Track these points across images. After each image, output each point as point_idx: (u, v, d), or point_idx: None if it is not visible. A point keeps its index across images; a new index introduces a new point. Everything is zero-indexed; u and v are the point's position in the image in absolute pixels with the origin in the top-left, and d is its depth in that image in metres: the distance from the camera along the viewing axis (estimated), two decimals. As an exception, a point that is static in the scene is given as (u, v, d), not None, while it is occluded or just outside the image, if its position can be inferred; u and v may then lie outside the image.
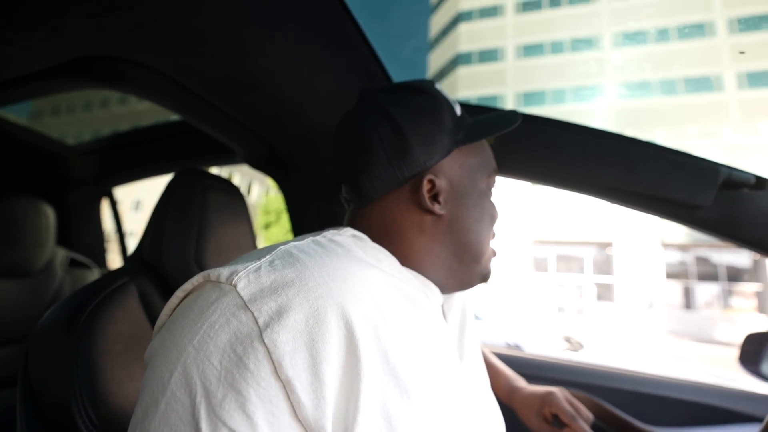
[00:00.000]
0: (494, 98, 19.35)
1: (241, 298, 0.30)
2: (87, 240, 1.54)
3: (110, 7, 0.54)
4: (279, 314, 0.30)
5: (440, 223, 0.45)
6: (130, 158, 1.30)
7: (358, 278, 0.34)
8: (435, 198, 0.45)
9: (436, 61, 22.46)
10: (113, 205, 1.57)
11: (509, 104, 19.27)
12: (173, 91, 0.73)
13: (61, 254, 1.31)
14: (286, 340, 0.29)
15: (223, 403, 0.28)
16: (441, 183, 0.45)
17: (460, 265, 0.46)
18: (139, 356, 0.56)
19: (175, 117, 1.24)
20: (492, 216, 0.49)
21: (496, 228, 0.51)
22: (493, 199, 0.50)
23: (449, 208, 0.45)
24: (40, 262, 1.22)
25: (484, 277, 0.49)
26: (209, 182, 0.70)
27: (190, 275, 0.36)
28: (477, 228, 0.46)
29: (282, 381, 0.28)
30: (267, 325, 0.29)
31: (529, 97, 18.80)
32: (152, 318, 0.61)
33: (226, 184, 0.75)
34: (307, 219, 1.11)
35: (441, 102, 0.47)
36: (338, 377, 0.30)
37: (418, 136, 0.44)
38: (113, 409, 0.50)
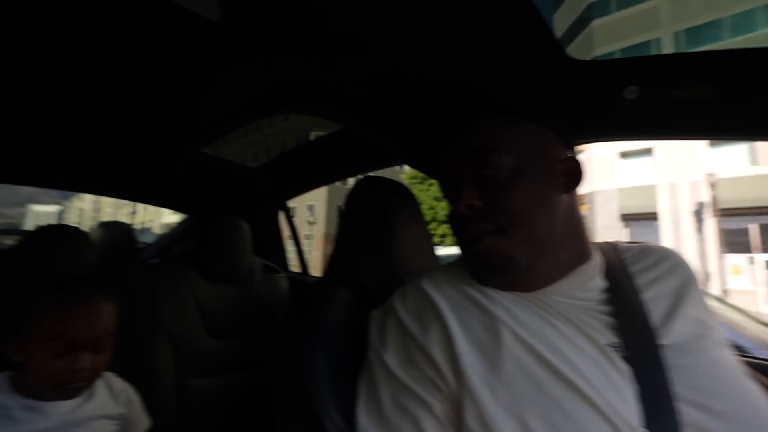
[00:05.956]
0: (645, 44, 16.19)
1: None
2: (271, 248, 1.80)
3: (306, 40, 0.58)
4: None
5: None
6: (300, 173, 1.45)
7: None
8: None
9: (562, 21, 19.92)
10: (288, 216, 1.79)
11: (667, 47, 15.86)
12: (348, 105, 0.76)
13: (257, 262, 1.56)
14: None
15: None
16: None
17: None
18: (345, 363, 0.59)
19: (330, 127, 1.34)
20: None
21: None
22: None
23: None
24: (244, 270, 1.47)
25: (468, 259, 0.56)
26: (388, 188, 0.71)
27: (387, 282, 0.45)
28: None
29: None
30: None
31: (696, 33, 15.12)
32: (353, 324, 0.63)
33: (401, 188, 0.74)
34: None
35: None
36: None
37: None
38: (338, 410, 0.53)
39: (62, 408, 0.79)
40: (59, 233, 1.05)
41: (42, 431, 0.76)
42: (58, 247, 1.02)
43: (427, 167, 1.04)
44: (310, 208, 21.69)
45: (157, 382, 1.19)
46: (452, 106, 0.58)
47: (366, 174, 1.15)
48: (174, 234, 2.19)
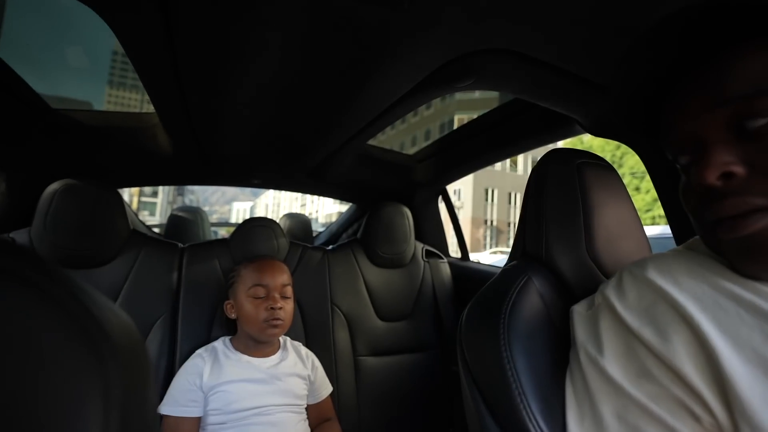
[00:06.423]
0: None
1: None
2: (431, 233, 1.81)
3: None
4: None
5: None
6: (458, 157, 1.41)
7: None
8: None
9: None
10: (447, 200, 1.77)
11: None
12: (524, 68, 0.67)
13: (420, 247, 1.59)
14: None
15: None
16: None
17: None
18: (546, 361, 0.51)
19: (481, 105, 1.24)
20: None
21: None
22: None
23: None
24: (409, 254, 1.52)
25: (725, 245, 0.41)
26: (581, 159, 0.60)
27: (584, 269, 0.41)
28: None
29: None
30: None
31: None
32: (550, 318, 0.55)
33: (597, 159, 0.62)
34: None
35: None
36: None
37: None
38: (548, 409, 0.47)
39: (267, 363, 1.02)
40: (261, 224, 1.27)
41: (256, 379, 0.98)
42: (260, 235, 1.24)
43: (619, 134, 0.86)
44: (456, 192, 21.69)
45: (337, 357, 1.32)
46: (688, 39, 0.43)
47: (538, 150, 1.02)
48: (341, 222, 2.42)
